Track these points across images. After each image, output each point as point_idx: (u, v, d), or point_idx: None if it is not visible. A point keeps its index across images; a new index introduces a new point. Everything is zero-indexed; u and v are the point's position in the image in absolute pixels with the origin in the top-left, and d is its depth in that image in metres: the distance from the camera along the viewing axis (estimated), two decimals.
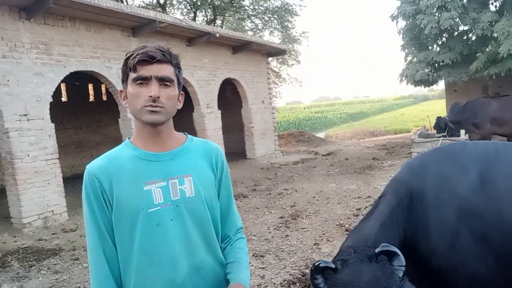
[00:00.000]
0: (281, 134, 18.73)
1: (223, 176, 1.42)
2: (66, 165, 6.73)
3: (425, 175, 1.87)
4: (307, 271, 4.11)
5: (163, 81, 1.26)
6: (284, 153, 14.33)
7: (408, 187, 1.85)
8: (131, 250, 1.26)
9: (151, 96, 1.23)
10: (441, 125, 9.21)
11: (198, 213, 1.31)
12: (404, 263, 1.48)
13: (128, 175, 1.27)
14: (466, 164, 1.82)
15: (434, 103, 48.45)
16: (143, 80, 1.25)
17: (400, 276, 1.46)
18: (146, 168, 1.29)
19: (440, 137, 8.49)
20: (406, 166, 2.08)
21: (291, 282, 3.88)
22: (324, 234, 5.25)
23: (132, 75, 1.26)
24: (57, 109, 6.64)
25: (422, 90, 66.47)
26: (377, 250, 1.50)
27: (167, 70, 1.27)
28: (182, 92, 1.38)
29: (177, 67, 1.32)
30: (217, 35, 9.76)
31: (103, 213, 1.27)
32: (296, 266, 4.29)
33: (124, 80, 1.31)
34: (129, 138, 1.39)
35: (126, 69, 1.28)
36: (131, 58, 1.26)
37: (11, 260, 4.95)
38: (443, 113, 20.95)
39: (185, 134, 1.45)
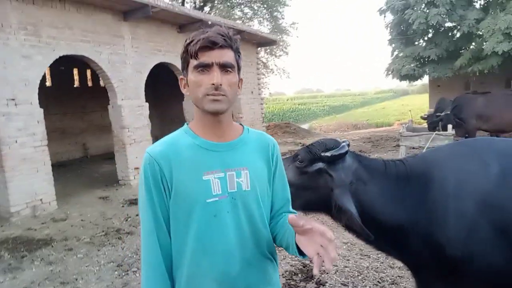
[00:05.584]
0: (268, 125, 18.74)
1: (277, 168, 1.39)
2: (51, 152, 6.51)
3: (448, 168, 1.89)
4: (308, 262, 4.14)
5: (225, 67, 1.21)
6: None
7: (427, 178, 1.88)
8: (186, 240, 1.23)
9: (213, 84, 1.18)
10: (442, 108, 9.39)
11: (251, 208, 1.28)
12: (335, 154, 1.92)
13: (188, 163, 1.24)
14: (491, 159, 1.84)
15: (414, 98, 49.49)
16: (205, 67, 1.19)
17: (321, 153, 1.95)
18: (206, 157, 1.25)
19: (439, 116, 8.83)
20: (429, 156, 2.09)
21: (293, 273, 3.90)
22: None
23: (193, 62, 1.21)
24: (41, 94, 6.39)
25: (401, 84, 67.71)
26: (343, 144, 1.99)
27: (228, 56, 1.21)
28: (241, 78, 1.33)
29: (237, 51, 1.27)
30: (210, 22, 9.60)
31: (161, 199, 1.23)
32: (296, 257, 4.30)
33: (184, 67, 1.26)
34: (187, 124, 1.35)
35: (187, 56, 1.22)
36: (192, 44, 1.20)
37: (1, 251, 4.79)
38: (425, 107, 21.38)
39: (241, 124, 1.41)
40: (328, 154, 1.96)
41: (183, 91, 1.30)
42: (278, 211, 1.41)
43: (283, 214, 1.40)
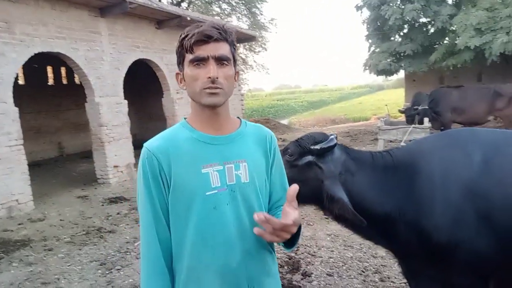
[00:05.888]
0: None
1: (275, 160, 1.41)
2: (25, 151, 6.32)
3: (433, 159, 1.95)
4: (293, 254, 4.19)
5: (221, 61, 1.20)
6: None
7: (414, 169, 1.94)
8: (185, 233, 1.24)
9: (209, 77, 1.18)
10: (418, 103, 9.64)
11: (250, 200, 1.29)
12: (324, 147, 1.99)
13: (186, 156, 1.24)
14: (474, 150, 1.91)
15: (390, 92, 50.34)
16: (200, 61, 1.19)
17: (311, 147, 2.02)
18: (204, 150, 1.26)
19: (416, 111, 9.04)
20: (414, 148, 2.15)
21: (279, 266, 3.93)
22: (303, 218, 5.34)
23: (189, 57, 1.20)
24: (14, 92, 6.20)
25: (377, 79, 68.87)
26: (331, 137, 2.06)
27: (224, 49, 1.21)
28: (237, 70, 1.33)
29: (233, 44, 1.27)
30: (188, 18, 9.50)
31: (160, 193, 1.23)
32: (281, 249, 4.35)
33: (180, 62, 1.25)
34: (185, 118, 1.34)
35: (182, 50, 1.22)
36: (186, 39, 1.19)
37: None
38: (400, 102, 21.82)
39: (238, 118, 1.41)
40: (317, 147, 2.01)
41: (180, 85, 1.29)
42: (276, 202, 1.42)
43: (281, 208, 1.39)
